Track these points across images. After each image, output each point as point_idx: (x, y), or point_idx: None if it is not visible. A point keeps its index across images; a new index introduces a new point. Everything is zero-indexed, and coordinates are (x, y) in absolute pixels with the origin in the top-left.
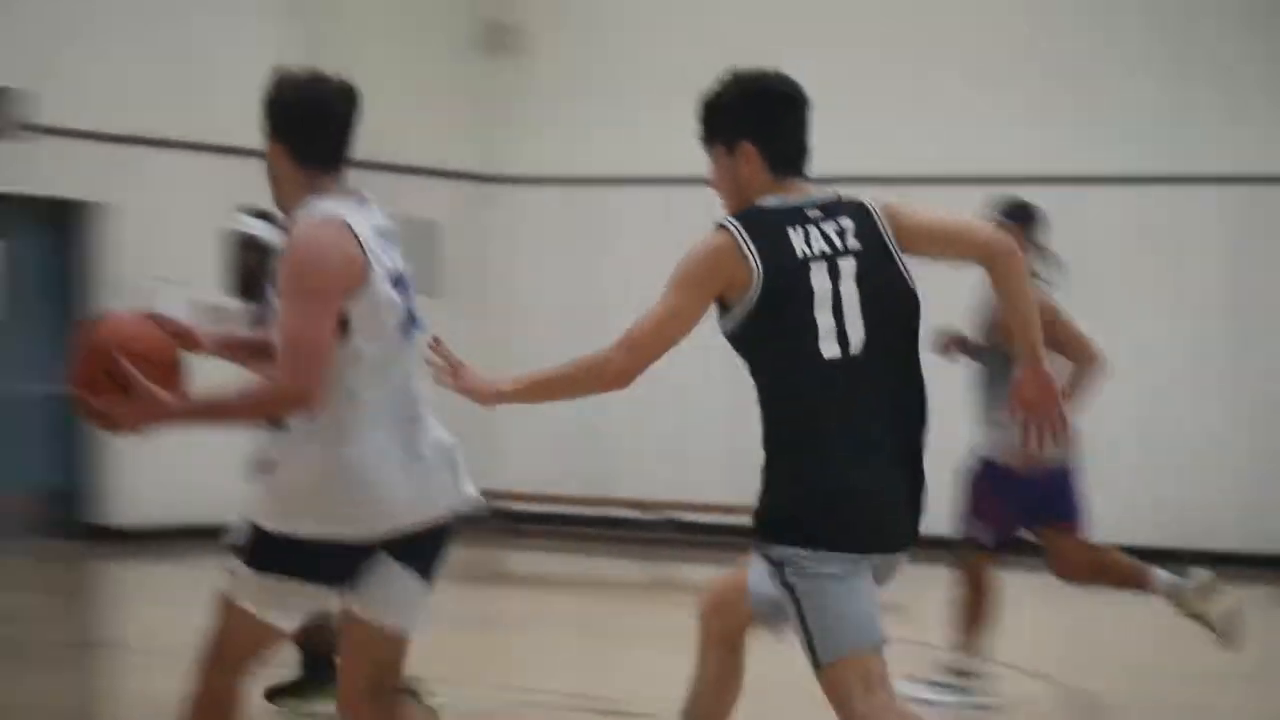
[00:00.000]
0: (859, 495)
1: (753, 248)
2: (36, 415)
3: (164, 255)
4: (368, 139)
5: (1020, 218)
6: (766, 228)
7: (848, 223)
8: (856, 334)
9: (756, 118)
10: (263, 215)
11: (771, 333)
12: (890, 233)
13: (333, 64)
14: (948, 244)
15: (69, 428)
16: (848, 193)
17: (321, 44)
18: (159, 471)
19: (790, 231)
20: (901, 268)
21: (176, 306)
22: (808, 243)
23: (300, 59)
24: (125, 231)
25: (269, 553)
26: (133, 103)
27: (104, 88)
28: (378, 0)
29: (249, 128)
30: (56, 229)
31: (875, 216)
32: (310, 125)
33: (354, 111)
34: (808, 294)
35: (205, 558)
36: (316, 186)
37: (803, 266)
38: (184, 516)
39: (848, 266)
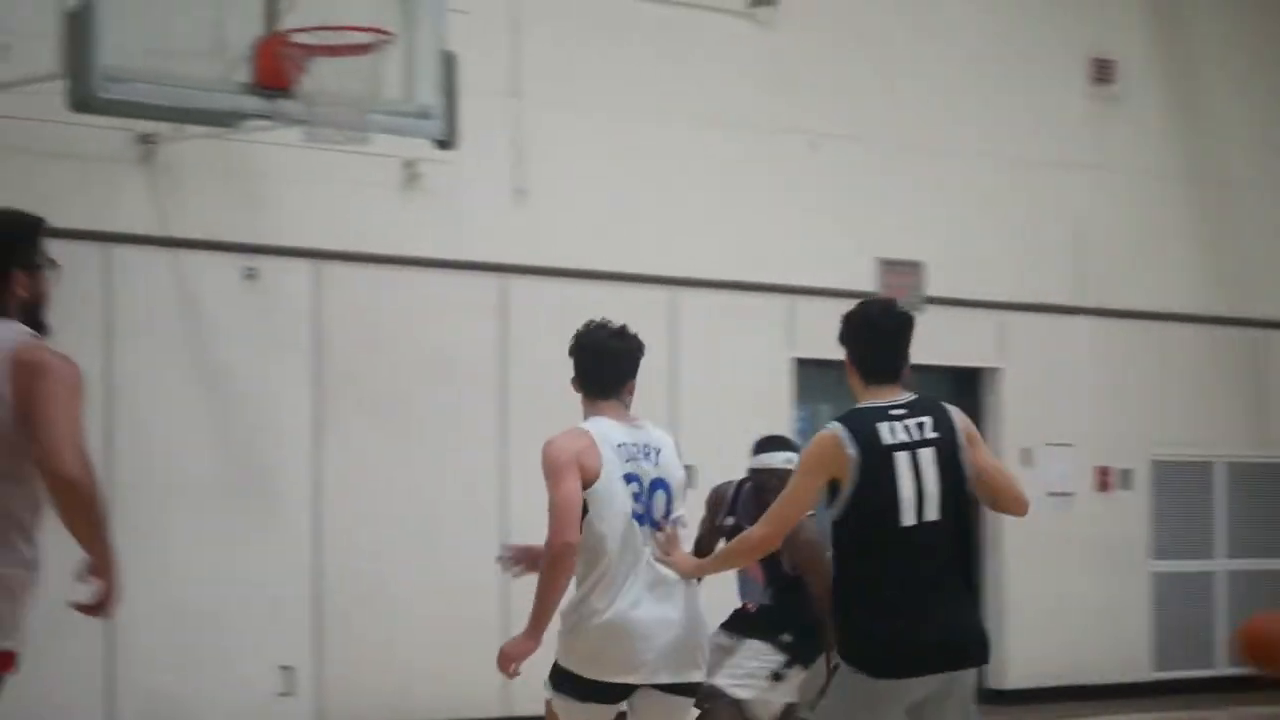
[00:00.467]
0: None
1: (850, 439)
2: None
3: (1045, 416)
4: None
5: None
6: (862, 423)
7: (927, 419)
8: (931, 503)
9: (853, 341)
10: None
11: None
12: (962, 438)
13: None
14: (992, 489)
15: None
16: (928, 396)
17: None
18: (1041, 632)
19: (879, 425)
20: (963, 458)
21: (1066, 467)
22: (892, 433)
23: None
24: (1009, 394)
25: None
26: (1015, 270)
27: (987, 257)
28: None
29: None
30: (943, 395)
31: (952, 418)
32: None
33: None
34: (891, 472)
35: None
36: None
37: (888, 451)
38: (1064, 677)
39: (926, 452)
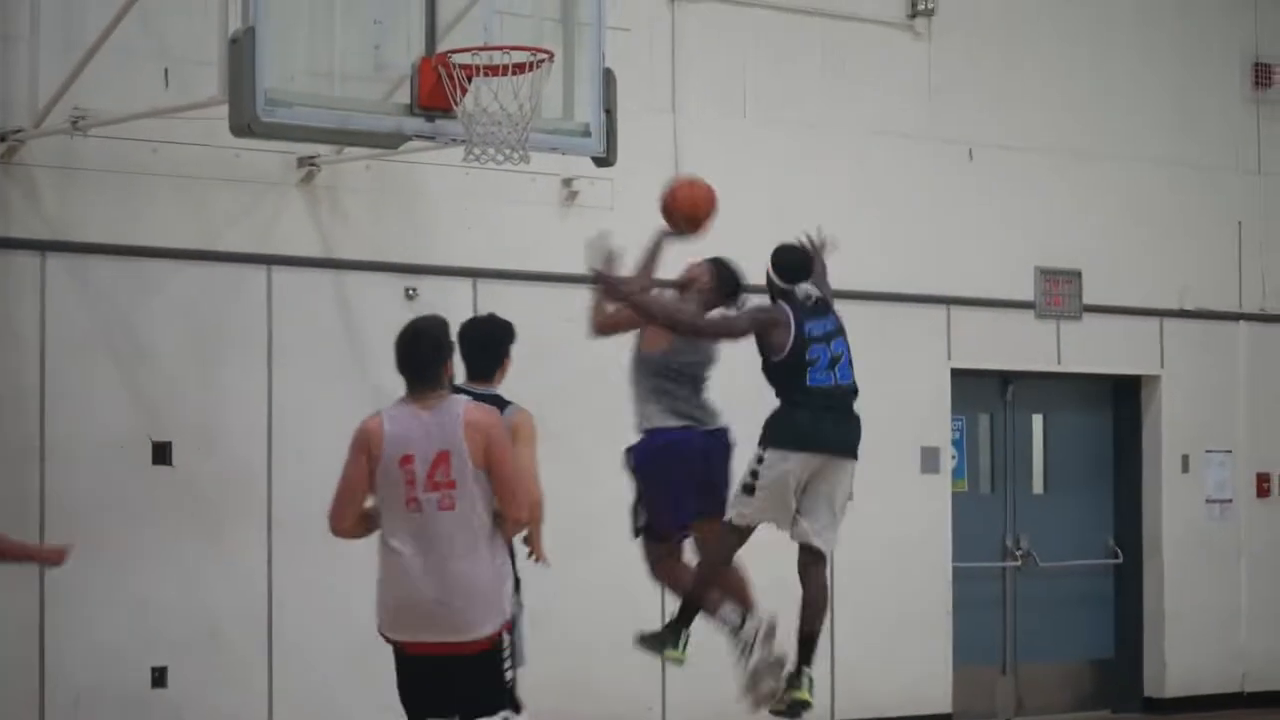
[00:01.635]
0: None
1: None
2: (1083, 586)
3: (1205, 423)
4: None
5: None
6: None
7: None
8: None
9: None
10: None
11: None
12: None
13: None
14: None
15: (1116, 599)
16: None
17: None
18: (1200, 639)
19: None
20: None
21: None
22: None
23: None
24: (1168, 401)
25: None
26: (1173, 276)
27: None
28: None
29: None
30: (1102, 403)
31: None
32: None
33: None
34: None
35: None
36: None
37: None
38: (1226, 686)
39: None
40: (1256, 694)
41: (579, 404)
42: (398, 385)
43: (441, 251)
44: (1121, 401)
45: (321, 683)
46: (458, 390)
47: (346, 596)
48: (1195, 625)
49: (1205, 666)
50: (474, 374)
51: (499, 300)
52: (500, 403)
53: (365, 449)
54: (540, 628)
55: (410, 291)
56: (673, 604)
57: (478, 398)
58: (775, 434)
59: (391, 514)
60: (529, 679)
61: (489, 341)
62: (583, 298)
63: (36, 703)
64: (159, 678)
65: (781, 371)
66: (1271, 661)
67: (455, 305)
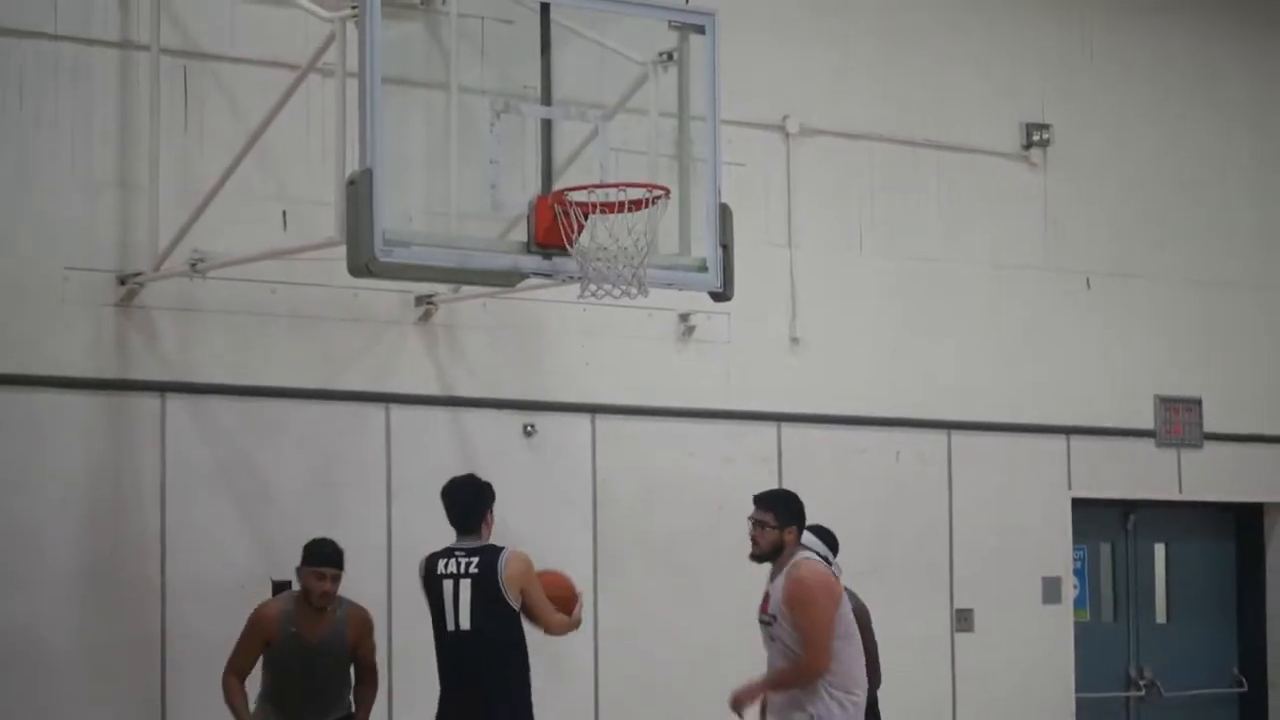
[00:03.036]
0: None
1: None
2: (1207, 716)
3: None
4: None
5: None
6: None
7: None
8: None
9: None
10: None
11: None
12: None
13: None
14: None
15: None
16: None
17: None
18: None
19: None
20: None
21: None
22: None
23: None
24: None
25: None
26: None
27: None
28: None
29: None
30: (1223, 531)
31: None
32: None
33: None
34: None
35: None
36: None
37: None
38: None
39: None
40: None
41: (701, 538)
42: (517, 521)
43: (559, 388)
44: (1244, 529)
45: None
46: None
47: None
48: None
49: None
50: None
51: (617, 435)
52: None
53: None
54: None
55: (529, 428)
56: None
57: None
58: None
59: None
60: None
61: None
62: (700, 432)
63: None
64: None
65: None
66: None
67: (574, 442)
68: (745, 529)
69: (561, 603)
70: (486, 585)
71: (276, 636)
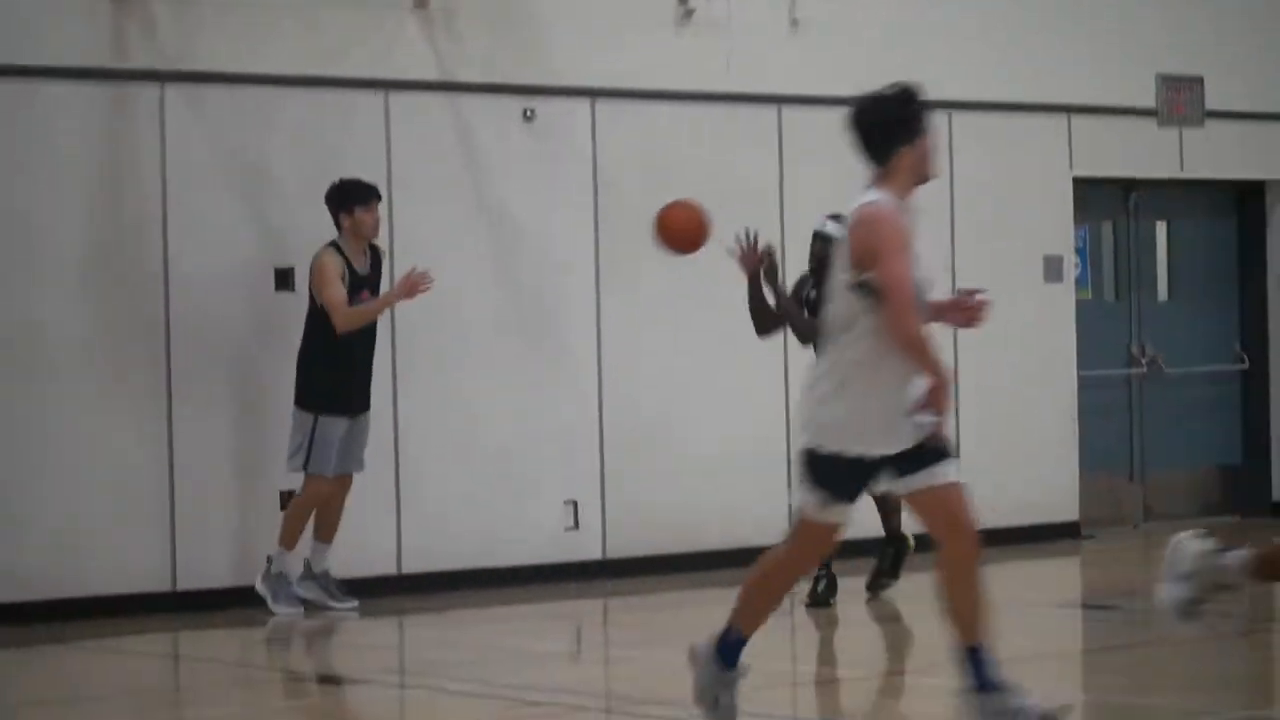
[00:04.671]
0: None
1: None
2: (1209, 393)
3: None
4: None
5: None
6: None
7: None
8: None
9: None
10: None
11: None
12: None
13: None
14: None
15: (1243, 405)
16: None
17: None
18: None
19: None
20: None
21: None
22: None
23: None
24: None
25: None
26: None
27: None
28: None
29: None
30: (1226, 210)
31: None
32: None
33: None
34: None
35: None
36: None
37: None
38: None
39: None
40: None
41: None
42: (518, 207)
43: (558, 72)
44: (1246, 207)
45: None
46: None
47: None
48: None
49: None
50: None
51: (617, 119)
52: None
53: None
54: None
55: (528, 113)
56: None
57: None
58: None
59: None
60: None
61: None
62: (700, 114)
63: None
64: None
65: None
66: None
67: (573, 126)
68: (747, 214)
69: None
70: None
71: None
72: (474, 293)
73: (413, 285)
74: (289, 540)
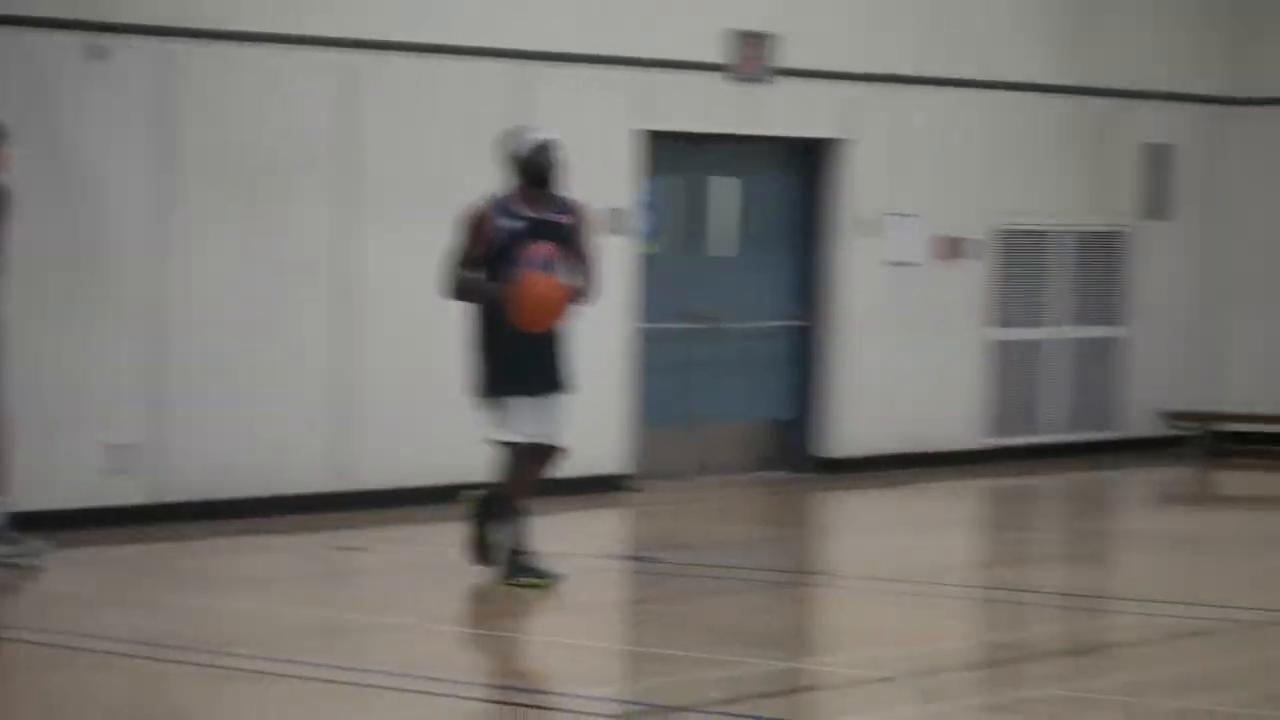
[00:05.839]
0: None
1: None
2: (768, 349)
3: (899, 189)
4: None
5: None
6: None
7: None
8: None
9: None
10: None
11: None
12: None
13: None
14: None
15: (799, 362)
16: None
17: None
18: (873, 404)
19: None
20: None
21: (909, 238)
22: None
23: None
24: (859, 167)
25: None
26: (863, 42)
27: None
28: None
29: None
30: (792, 167)
31: None
32: None
33: None
34: None
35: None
36: None
37: None
38: (896, 447)
39: None
40: (922, 454)
41: (263, 166)
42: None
43: (127, 9)
44: (810, 166)
45: None
46: None
47: None
48: (868, 386)
49: (876, 428)
50: None
51: (185, 60)
52: None
53: None
54: None
55: (95, 50)
56: None
57: None
58: None
59: None
60: None
61: None
62: (265, 55)
63: None
64: None
65: None
66: (939, 424)
67: (140, 65)
68: (309, 159)
69: None
70: None
71: None
72: (32, 228)
73: None
74: None
